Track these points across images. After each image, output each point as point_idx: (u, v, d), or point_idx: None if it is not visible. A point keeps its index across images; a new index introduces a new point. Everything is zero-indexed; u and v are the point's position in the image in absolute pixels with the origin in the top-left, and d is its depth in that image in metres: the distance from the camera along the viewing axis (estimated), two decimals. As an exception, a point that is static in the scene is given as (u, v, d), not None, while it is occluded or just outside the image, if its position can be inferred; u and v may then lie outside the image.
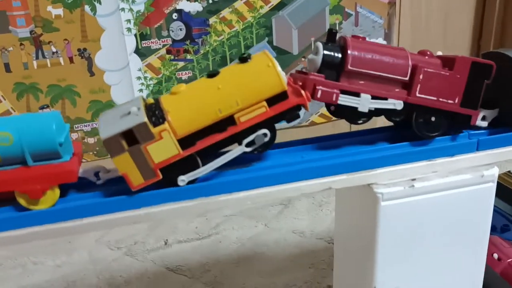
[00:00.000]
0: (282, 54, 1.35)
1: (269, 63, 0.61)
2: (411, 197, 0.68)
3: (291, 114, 0.63)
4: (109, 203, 0.61)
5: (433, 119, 0.68)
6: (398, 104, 0.66)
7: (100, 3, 1.19)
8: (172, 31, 1.26)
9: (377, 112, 0.67)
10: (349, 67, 0.64)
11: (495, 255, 0.93)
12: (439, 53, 0.71)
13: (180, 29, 1.26)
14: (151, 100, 0.63)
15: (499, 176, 1.20)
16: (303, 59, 1.36)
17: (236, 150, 0.62)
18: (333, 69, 0.65)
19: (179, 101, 0.61)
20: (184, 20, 1.26)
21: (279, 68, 0.61)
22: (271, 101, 0.61)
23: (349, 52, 0.64)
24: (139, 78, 1.27)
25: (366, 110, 0.65)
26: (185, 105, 0.61)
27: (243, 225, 1.31)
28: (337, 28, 1.36)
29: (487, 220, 0.73)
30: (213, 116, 0.60)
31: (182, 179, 0.61)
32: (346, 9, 1.35)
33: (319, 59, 0.64)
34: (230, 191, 0.64)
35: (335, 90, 0.64)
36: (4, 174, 0.58)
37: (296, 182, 0.66)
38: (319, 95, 0.63)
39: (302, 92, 0.62)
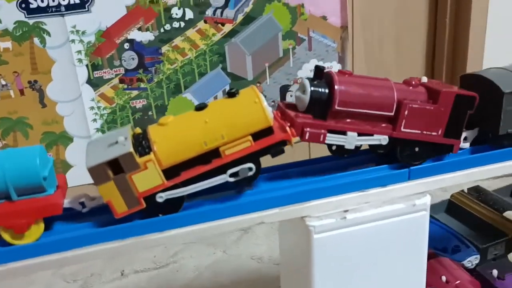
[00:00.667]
0: (236, 80, 1.36)
1: (256, 99, 0.63)
2: (343, 228, 0.69)
3: (275, 149, 0.65)
4: (93, 235, 0.62)
5: (417, 149, 0.70)
6: (383, 140, 0.68)
7: (49, 35, 1.19)
8: (124, 61, 1.27)
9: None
10: (336, 108, 0.65)
11: (443, 278, 0.94)
12: (424, 79, 0.73)
13: (132, 59, 1.27)
14: (139, 130, 0.65)
15: (453, 196, 1.22)
16: (258, 84, 1.37)
17: (218, 178, 0.64)
18: (321, 105, 0.66)
19: (166, 132, 0.63)
20: (136, 50, 1.26)
21: (265, 104, 0.63)
22: (257, 135, 0.63)
23: (335, 91, 0.65)
24: (92, 108, 1.27)
25: (353, 147, 0.68)
26: (172, 136, 0.63)
27: (202, 253, 1.30)
28: (291, 53, 1.37)
29: (423, 248, 0.74)
30: (199, 148, 0.62)
31: (160, 196, 0.62)
32: (299, 34, 1.37)
33: (306, 98, 0.66)
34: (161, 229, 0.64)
35: (323, 131, 0.66)
36: (-12, 209, 0.58)
37: (228, 218, 0.66)
38: (307, 137, 0.65)
39: (287, 128, 0.64)
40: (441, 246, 1.05)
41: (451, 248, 1.05)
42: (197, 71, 1.32)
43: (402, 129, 0.68)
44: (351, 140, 0.67)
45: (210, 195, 0.68)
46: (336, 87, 0.65)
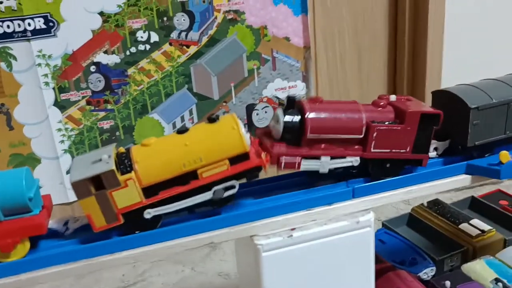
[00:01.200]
0: (203, 100, 1.39)
1: (234, 125, 0.67)
2: (291, 246, 0.72)
3: (251, 174, 0.69)
4: (75, 252, 0.65)
5: (387, 165, 0.74)
6: (355, 161, 0.73)
7: (16, 60, 1.21)
8: (91, 83, 1.29)
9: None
10: (309, 135, 0.70)
11: (399, 290, 0.97)
12: (393, 97, 0.77)
13: (99, 81, 1.29)
14: (122, 150, 0.68)
15: (413, 209, 1.25)
16: (224, 103, 1.40)
17: (201, 196, 0.67)
18: (295, 133, 0.70)
19: (148, 153, 0.67)
20: (103, 72, 1.29)
21: (243, 131, 0.67)
22: (234, 160, 0.67)
23: (307, 119, 0.69)
24: (59, 129, 1.29)
25: (326, 171, 0.72)
26: (153, 157, 0.66)
27: (170, 271, 1.32)
28: (256, 73, 1.41)
29: (369, 263, 0.77)
30: (178, 170, 0.66)
31: (148, 212, 0.66)
32: (263, 55, 1.41)
33: (280, 128, 0.70)
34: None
35: (297, 159, 0.70)
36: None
37: (179, 238, 0.69)
38: (283, 166, 0.70)
39: (262, 154, 0.68)
40: (399, 259, 1.08)
41: (408, 260, 1.07)
42: (164, 91, 1.34)
43: (372, 150, 0.72)
44: (324, 164, 0.71)
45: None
46: (307, 115, 0.69)
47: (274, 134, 0.72)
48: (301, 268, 0.73)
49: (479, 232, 1.09)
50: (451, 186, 0.79)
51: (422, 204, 1.25)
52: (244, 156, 0.67)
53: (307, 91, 1.47)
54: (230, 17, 1.35)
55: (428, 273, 1.03)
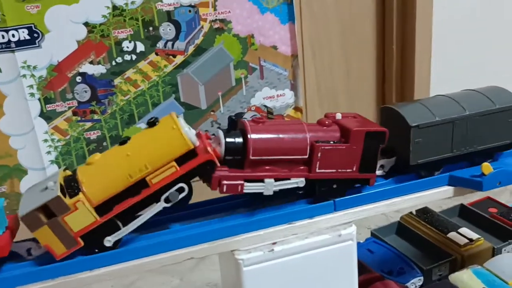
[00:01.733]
0: (190, 109, 1.39)
1: (173, 125, 0.65)
2: (272, 260, 0.71)
3: (202, 170, 0.66)
4: (37, 273, 0.64)
5: (334, 186, 0.73)
6: (300, 182, 0.71)
7: (0, 71, 1.20)
8: (77, 94, 1.28)
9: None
10: (251, 157, 0.67)
11: (386, 300, 0.96)
12: (339, 115, 0.75)
13: (85, 91, 1.28)
14: (68, 173, 0.67)
15: (402, 218, 1.24)
16: (212, 112, 1.40)
17: (155, 208, 0.66)
18: (237, 155, 0.68)
19: (93, 171, 0.65)
20: (88, 82, 1.28)
21: (184, 129, 0.65)
22: (181, 160, 0.65)
23: (249, 141, 0.67)
24: (46, 140, 1.28)
25: (271, 193, 0.69)
26: (98, 174, 0.65)
27: (158, 281, 1.31)
28: (243, 81, 1.40)
29: (352, 277, 0.76)
30: (125, 182, 0.64)
31: (108, 240, 0.65)
32: (250, 64, 1.40)
33: (222, 149, 0.68)
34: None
35: (240, 182, 0.67)
36: None
37: (158, 254, 0.68)
38: (225, 189, 0.67)
39: (209, 148, 0.65)
40: (387, 269, 1.07)
41: (396, 270, 1.07)
42: (151, 101, 1.34)
43: (317, 170, 0.71)
44: (269, 186, 0.69)
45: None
46: (249, 136, 0.67)
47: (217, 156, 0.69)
48: (283, 283, 0.72)
49: (467, 241, 1.09)
50: (434, 197, 0.78)
51: (411, 212, 1.24)
52: (191, 154, 0.65)
53: (295, 100, 1.47)
54: (216, 26, 1.35)
55: (415, 283, 1.02)
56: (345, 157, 0.71)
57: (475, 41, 1.59)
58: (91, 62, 1.27)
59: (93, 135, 1.32)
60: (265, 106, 1.43)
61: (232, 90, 1.40)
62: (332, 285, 0.75)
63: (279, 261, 0.71)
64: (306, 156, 0.70)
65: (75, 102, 1.29)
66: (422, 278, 1.03)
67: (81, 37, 1.25)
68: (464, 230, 1.12)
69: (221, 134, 0.68)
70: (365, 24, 1.51)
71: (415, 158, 0.76)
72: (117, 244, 0.67)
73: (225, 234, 0.70)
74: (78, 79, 1.27)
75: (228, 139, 0.68)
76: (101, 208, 0.64)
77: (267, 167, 0.69)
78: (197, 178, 0.69)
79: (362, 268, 0.99)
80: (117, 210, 0.65)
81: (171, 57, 1.33)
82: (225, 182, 0.67)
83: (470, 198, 1.39)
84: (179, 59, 1.34)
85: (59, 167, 1.30)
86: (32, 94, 1.24)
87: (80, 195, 0.63)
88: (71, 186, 0.64)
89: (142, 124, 1.36)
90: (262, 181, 0.69)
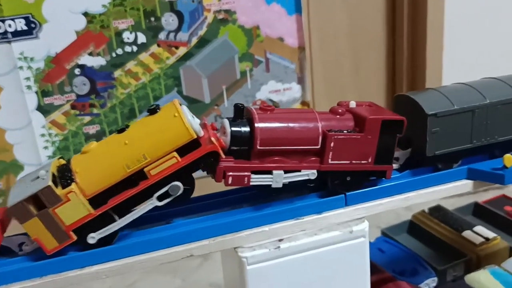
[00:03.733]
0: (193, 103, 1.35)
1: (175, 112, 0.60)
2: (278, 259, 0.66)
3: (205, 162, 0.62)
4: (23, 270, 0.60)
5: (348, 178, 0.68)
6: (311, 174, 0.66)
7: (-4, 63, 1.17)
8: (76, 86, 1.25)
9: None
10: (258, 148, 0.63)
11: (398, 302, 0.92)
12: (352, 103, 0.71)
13: (84, 84, 1.25)
14: (62, 161, 0.63)
15: (414, 216, 1.20)
16: (215, 106, 1.36)
17: (146, 205, 0.62)
18: (244, 145, 0.64)
19: (88, 160, 0.61)
20: (88, 75, 1.25)
21: (188, 117, 0.60)
22: (184, 150, 0.61)
23: (256, 130, 0.63)
24: (43, 135, 1.25)
25: (280, 186, 0.65)
26: (93, 163, 0.61)
27: (160, 281, 1.26)
28: (248, 75, 1.36)
29: (364, 277, 0.72)
30: (122, 173, 0.60)
31: (92, 236, 0.61)
32: (256, 56, 1.37)
33: (227, 140, 0.63)
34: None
35: (246, 173, 0.63)
36: None
37: (154, 251, 0.64)
38: (230, 181, 0.63)
39: (213, 139, 0.61)
40: (399, 269, 1.04)
41: (409, 270, 1.04)
42: (152, 95, 1.31)
43: (330, 162, 0.66)
44: (277, 178, 0.65)
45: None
46: (256, 125, 0.63)
47: (223, 147, 0.65)
48: (289, 283, 0.68)
49: (483, 240, 1.06)
50: (452, 192, 0.74)
51: (423, 210, 1.21)
52: (194, 144, 0.61)
53: (302, 93, 1.43)
54: (221, 17, 1.31)
55: (429, 284, 1.00)
56: (360, 147, 0.67)
57: (491, 31, 1.54)
58: (90, 54, 1.24)
59: (92, 129, 1.28)
60: (271, 100, 1.39)
61: (237, 83, 1.37)
62: (343, 285, 0.70)
63: (285, 259, 0.67)
64: (318, 147, 0.66)
65: (73, 95, 1.26)
66: (436, 278, 1.00)
67: (80, 28, 1.22)
68: (479, 228, 1.09)
69: (226, 123, 0.64)
70: (375, 15, 1.46)
71: (432, 149, 0.72)
72: (111, 239, 0.63)
73: (227, 230, 0.66)
74: (77, 71, 1.24)
75: (234, 128, 0.64)
76: (96, 200, 0.61)
77: (275, 158, 0.65)
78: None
79: (373, 268, 0.95)
80: (113, 203, 0.61)
81: (173, 48, 1.30)
82: (230, 173, 0.63)
83: (484, 196, 1.35)
84: (181, 51, 1.30)
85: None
86: (29, 87, 1.21)
87: (73, 186, 0.59)
88: (64, 176, 0.61)
89: (143, 119, 1.32)
90: (270, 172, 0.65)
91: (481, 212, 1.20)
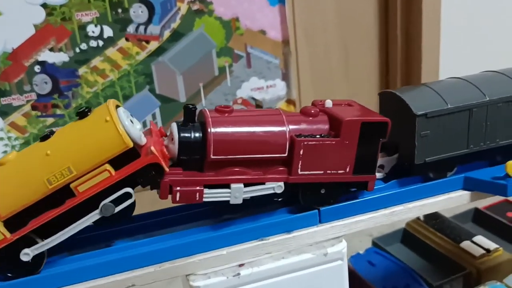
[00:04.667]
0: (167, 103, 1.30)
1: (107, 116, 0.52)
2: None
3: (144, 176, 0.54)
4: None
5: (322, 191, 0.61)
6: (277, 187, 0.59)
7: None
8: (36, 85, 1.19)
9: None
10: (212, 157, 0.55)
11: (389, 323, 0.85)
12: (329, 103, 0.62)
13: (45, 82, 1.19)
14: None
15: (408, 224, 1.13)
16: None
17: (75, 226, 0.54)
18: (195, 154, 0.56)
19: (3, 175, 0.54)
20: (49, 72, 1.19)
21: (123, 122, 0.52)
22: (117, 162, 0.53)
23: (209, 136, 0.55)
24: (1, 138, 1.19)
25: (240, 202, 0.58)
26: (9, 179, 0.54)
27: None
28: (228, 71, 1.31)
29: (342, 303, 0.63)
30: (42, 189, 0.53)
31: (26, 253, 0.54)
32: (235, 51, 1.32)
33: (175, 148, 0.55)
34: None
35: (198, 187, 0.56)
36: None
37: (89, 281, 0.56)
38: (178, 198, 0.55)
39: (152, 148, 0.53)
40: (390, 285, 0.97)
41: (401, 287, 0.97)
42: (121, 93, 1.26)
43: (300, 172, 0.58)
44: (236, 193, 0.57)
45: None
46: (209, 130, 0.55)
47: (171, 155, 0.57)
48: (252, 316, 0.59)
49: (484, 251, 0.99)
50: (445, 205, 0.66)
51: (418, 218, 1.15)
52: (131, 155, 0.53)
53: (287, 91, 1.39)
54: (195, 7, 1.26)
55: None
56: (336, 155, 0.59)
57: (490, 24, 1.49)
58: (51, 49, 1.19)
59: (56, 132, 1.21)
60: (253, 98, 1.34)
61: (215, 80, 1.32)
62: (317, 315, 0.61)
63: (246, 288, 0.59)
64: (285, 155, 0.58)
65: (34, 95, 1.20)
66: (431, 296, 0.94)
67: (39, 21, 1.16)
68: (479, 238, 1.03)
69: (174, 128, 0.56)
70: (366, 4, 1.41)
71: (421, 156, 0.65)
72: (37, 267, 0.54)
73: (177, 254, 0.58)
74: (37, 68, 1.19)
75: (183, 134, 0.55)
76: (12, 223, 0.53)
77: (234, 169, 0.57)
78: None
79: (361, 284, 0.93)
80: (34, 225, 0.53)
81: (143, 43, 1.25)
82: (178, 188, 0.55)
83: (485, 201, 1.28)
84: (153, 45, 1.25)
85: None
86: (-17, 86, 1.16)
87: None
88: None
89: (113, 120, 1.24)
90: (228, 186, 0.57)
91: (481, 219, 1.15)
